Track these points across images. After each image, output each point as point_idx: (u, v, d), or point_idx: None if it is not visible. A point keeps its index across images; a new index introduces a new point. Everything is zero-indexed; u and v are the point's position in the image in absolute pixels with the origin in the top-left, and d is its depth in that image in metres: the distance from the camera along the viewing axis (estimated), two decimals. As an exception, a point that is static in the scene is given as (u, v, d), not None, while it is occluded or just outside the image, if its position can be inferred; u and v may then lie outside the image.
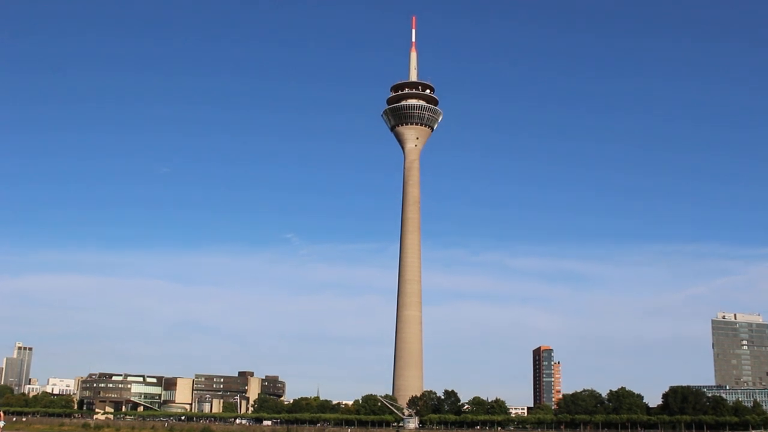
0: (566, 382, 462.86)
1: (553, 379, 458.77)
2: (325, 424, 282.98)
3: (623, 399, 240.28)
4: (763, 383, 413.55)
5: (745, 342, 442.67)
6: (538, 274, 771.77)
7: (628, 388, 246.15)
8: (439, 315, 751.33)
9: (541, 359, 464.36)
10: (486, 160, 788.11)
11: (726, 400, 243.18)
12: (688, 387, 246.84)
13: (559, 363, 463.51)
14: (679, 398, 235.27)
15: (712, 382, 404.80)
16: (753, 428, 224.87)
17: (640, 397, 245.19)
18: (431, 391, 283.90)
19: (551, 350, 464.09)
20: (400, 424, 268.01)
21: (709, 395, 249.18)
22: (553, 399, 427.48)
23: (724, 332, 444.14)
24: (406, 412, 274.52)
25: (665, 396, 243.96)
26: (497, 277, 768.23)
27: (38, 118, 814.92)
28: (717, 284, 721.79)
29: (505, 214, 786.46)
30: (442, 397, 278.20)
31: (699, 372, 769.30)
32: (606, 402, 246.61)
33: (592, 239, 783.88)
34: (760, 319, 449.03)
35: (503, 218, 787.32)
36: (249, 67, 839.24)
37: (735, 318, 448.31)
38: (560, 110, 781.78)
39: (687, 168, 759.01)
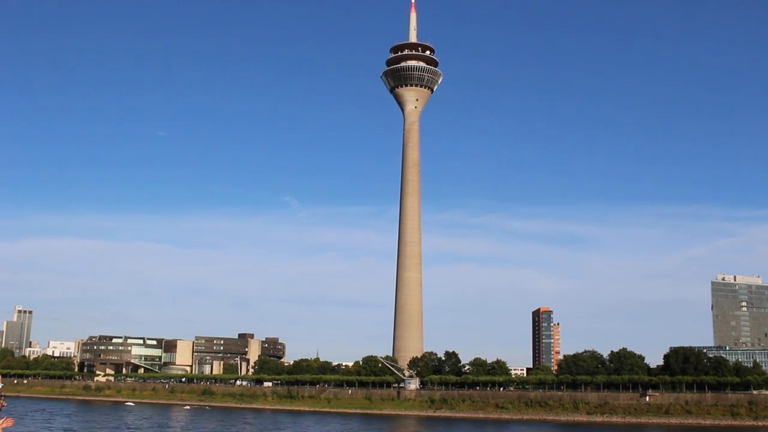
0: (565, 344, 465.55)
1: (552, 341, 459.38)
2: (326, 385, 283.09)
3: (624, 360, 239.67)
4: (762, 344, 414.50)
5: (744, 304, 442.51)
6: (537, 236, 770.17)
7: (628, 349, 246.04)
8: (438, 277, 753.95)
9: (540, 321, 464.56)
10: (485, 121, 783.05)
11: (727, 360, 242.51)
12: (690, 347, 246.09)
13: (558, 324, 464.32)
14: (681, 359, 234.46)
15: (711, 343, 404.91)
16: (755, 388, 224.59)
17: (641, 357, 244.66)
18: (432, 352, 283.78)
19: (551, 312, 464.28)
20: (401, 385, 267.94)
21: (710, 356, 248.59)
22: (553, 360, 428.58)
23: (723, 294, 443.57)
24: (407, 373, 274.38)
25: (666, 357, 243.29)
26: (495, 240, 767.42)
27: (35, 81, 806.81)
28: (716, 246, 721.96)
29: (504, 176, 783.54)
30: (443, 358, 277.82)
31: (698, 333, 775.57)
32: (607, 363, 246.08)
33: (591, 201, 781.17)
34: (759, 281, 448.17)
35: (501, 180, 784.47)
36: (246, 27, 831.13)
37: (734, 280, 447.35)
38: (560, 71, 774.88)
39: (685, 130, 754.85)
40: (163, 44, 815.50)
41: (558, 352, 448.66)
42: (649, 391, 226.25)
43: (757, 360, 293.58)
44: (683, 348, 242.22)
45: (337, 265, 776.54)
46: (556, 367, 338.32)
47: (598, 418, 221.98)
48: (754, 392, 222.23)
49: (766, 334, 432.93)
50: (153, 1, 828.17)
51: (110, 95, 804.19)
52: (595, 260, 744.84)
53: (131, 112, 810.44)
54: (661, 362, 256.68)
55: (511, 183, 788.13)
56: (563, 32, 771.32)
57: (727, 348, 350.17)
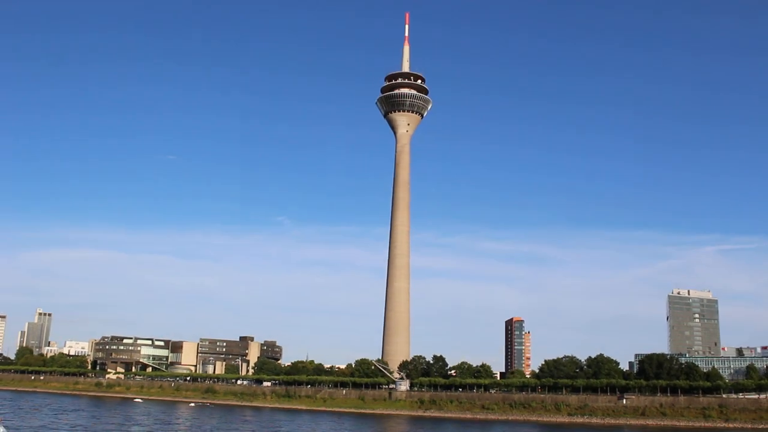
0: (534, 351, 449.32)
1: (523, 348, 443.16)
2: (321, 386, 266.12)
3: (602, 365, 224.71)
4: (712, 352, 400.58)
5: (697, 316, 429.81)
6: (503, 255, 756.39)
7: (605, 355, 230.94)
8: (418, 289, 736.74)
9: (513, 329, 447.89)
10: (463, 147, 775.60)
11: (698, 366, 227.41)
12: (662, 354, 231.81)
13: (529, 333, 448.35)
14: (654, 364, 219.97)
15: (667, 351, 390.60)
16: (724, 392, 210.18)
17: (616, 363, 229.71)
18: (421, 356, 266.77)
19: (522, 321, 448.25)
20: (392, 386, 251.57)
21: (682, 362, 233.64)
22: (524, 365, 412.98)
23: (678, 307, 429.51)
24: (397, 375, 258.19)
25: (641, 362, 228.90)
26: (466, 258, 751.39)
27: (55, 114, 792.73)
28: (659, 267, 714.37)
29: (477, 198, 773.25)
30: (431, 362, 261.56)
31: (652, 342, 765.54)
32: (585, 367, 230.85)
33: (553, 226, 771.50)
34: (710, 296, 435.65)
35: (475, 203, 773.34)
36: (252, 60, 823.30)
37: (688, 294, 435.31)
38: (533, 104, 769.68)
39: (630, 165, 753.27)
40: (176, 76, 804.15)
41: (528, 358, 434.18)
42: (626, 395, 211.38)
43: (715, 366, 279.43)
44: (657, 354, 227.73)
45: (326, 278, 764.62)
46: (528, 372, 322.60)
47: (579, 419, 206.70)
48: (724, 396, 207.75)
49: (715, 344, 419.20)
50: (160, 34, 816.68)
51: (125, 121, 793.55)
52: (557, 278, 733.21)
53: (147, 136, 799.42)
54: (626, 368, 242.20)
55: (481, 205, 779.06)
56: (539, 71, 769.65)
57: (687, 355, 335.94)
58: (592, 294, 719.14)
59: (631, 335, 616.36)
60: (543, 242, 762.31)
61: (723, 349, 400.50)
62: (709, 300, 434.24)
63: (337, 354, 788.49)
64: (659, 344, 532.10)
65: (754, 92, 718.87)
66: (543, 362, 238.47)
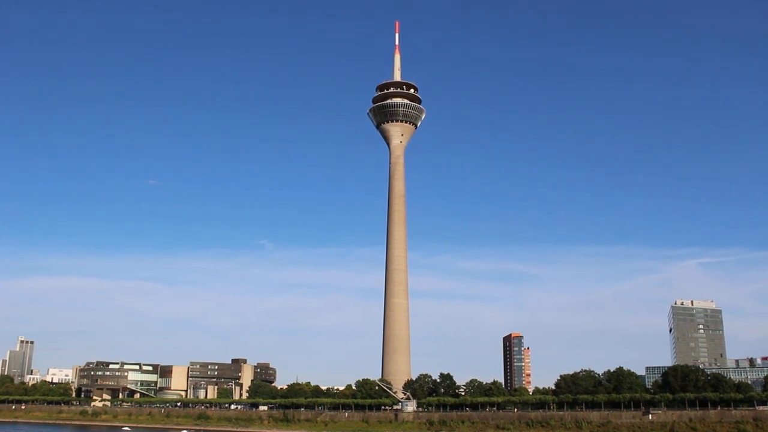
0: (533, 368, 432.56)
1: (523, 364, 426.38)
2: (321, 409, 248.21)
3: (623, 379, 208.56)
4: (718, 364, 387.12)
5: (701, 326, 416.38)
6: (486, 274, 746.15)
7: (625, 368, 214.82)
8: (413, 309, 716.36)
9: (512, 345, 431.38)
10: (448, 159, 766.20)
11: (725, 377, 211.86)
12: (687, 365, 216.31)
13: (528, 348, 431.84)
14: (680, 376, 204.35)
15: (671, 363, 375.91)
16: (758, 404, 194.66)
17: (637, 376, 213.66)
18: (426, 374, 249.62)
19: (521, 337, 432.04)
20: (397, 407, 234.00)
21: (708, 373, 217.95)
22: (524, 382, 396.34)
23: (682, 317, 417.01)
24: (402, 396, 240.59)
25: (665, 374, 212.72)
26: (448, 277, 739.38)
27: (42, 147, 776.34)
28: (641, 281, 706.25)
29: (459, 215, 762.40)
30: (438, 380, 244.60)
31: (652, 355, 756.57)
32: (605, 382, 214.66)
33: (532, 244, 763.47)
34: (713, 305, 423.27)
35: (457, 220, 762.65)
36: (237, 72, 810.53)
37: (692, 305, 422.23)
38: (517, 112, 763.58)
39: (607, 185, 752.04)
40: (159, 88, 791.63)
41: (529, 375, 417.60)
42: (652, 410, 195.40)
43: (732, 377, 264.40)
44: (681, 366, 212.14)
45: (313, 300, 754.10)
46: (531, 389, 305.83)
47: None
48: (759, 408, 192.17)
49: (721, 355, 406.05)
50: (148, 48, 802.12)
51: (103, 142, 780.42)
52: (542, 294, 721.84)
53: (124, 161, 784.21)
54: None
55: (464, 224, 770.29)
56: (530, 78, 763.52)
57: (702, 367, 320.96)
58: (580, 309, 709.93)
59: (631, 348, 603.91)
60: (525, 259, 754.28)
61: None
62: (713, 310, 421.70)
63: (332, 376, 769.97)
64: (662, 356, 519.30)
65: (738, 103, 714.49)
66: (559, 377, 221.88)
